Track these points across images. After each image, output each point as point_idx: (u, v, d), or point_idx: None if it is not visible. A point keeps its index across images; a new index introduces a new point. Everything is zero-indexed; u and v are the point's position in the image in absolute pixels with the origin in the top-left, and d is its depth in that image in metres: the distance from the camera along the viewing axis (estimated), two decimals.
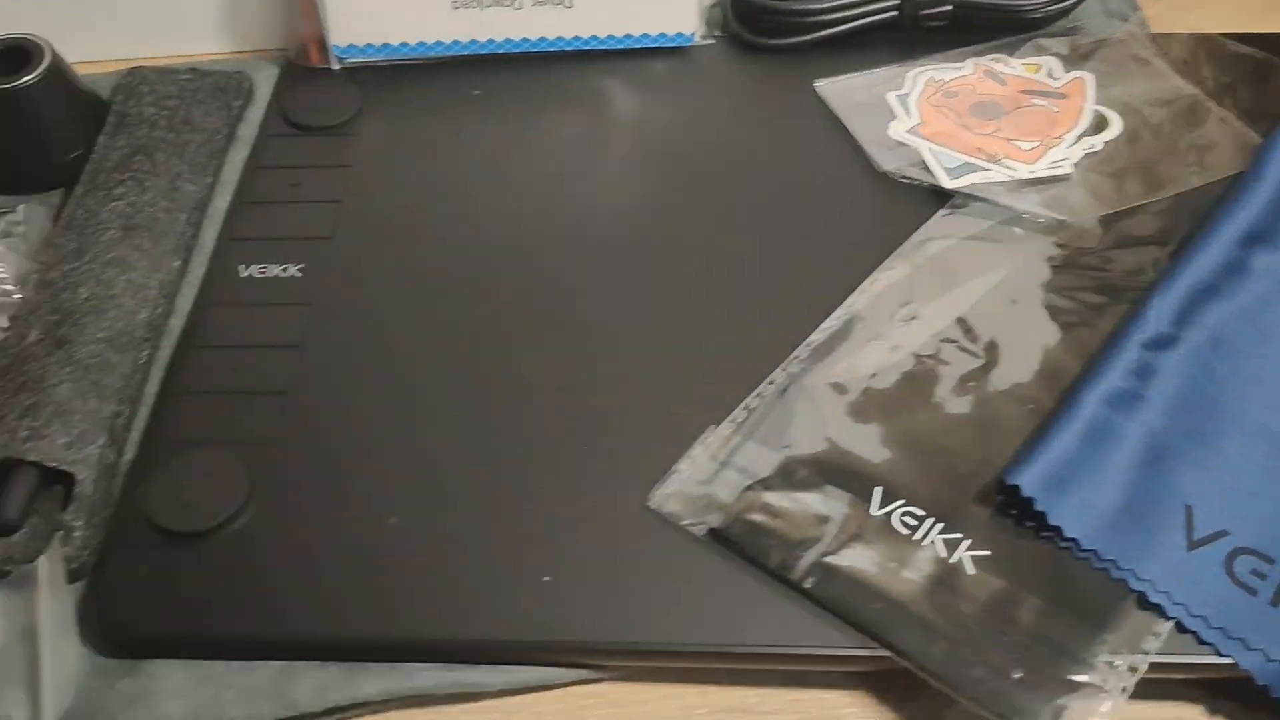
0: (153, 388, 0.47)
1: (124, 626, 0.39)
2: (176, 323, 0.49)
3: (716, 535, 0.40)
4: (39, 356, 0.45)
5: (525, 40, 0.57)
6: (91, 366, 0.45)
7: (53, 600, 0.39)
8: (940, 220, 0.49)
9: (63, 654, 0.38)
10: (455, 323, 0.47)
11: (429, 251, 0.50)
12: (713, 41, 0.59)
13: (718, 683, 0.39)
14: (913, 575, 0.38)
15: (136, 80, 0.56)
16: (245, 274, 0.49)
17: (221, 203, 0.53)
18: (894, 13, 0.58)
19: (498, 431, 0.43)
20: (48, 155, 0.53)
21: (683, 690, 0.39)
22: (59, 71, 0.53)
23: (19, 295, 0.48)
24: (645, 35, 0.58)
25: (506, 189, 0.53)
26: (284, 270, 0.49)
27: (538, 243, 0.50)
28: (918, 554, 0.39)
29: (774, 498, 0.40)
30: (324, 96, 0.56)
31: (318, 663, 0.39)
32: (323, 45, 0.57)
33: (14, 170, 0.53)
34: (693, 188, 0.52)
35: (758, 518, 0.40)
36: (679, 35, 0.58)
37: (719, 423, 0.43)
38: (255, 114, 0.57)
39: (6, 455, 0.42)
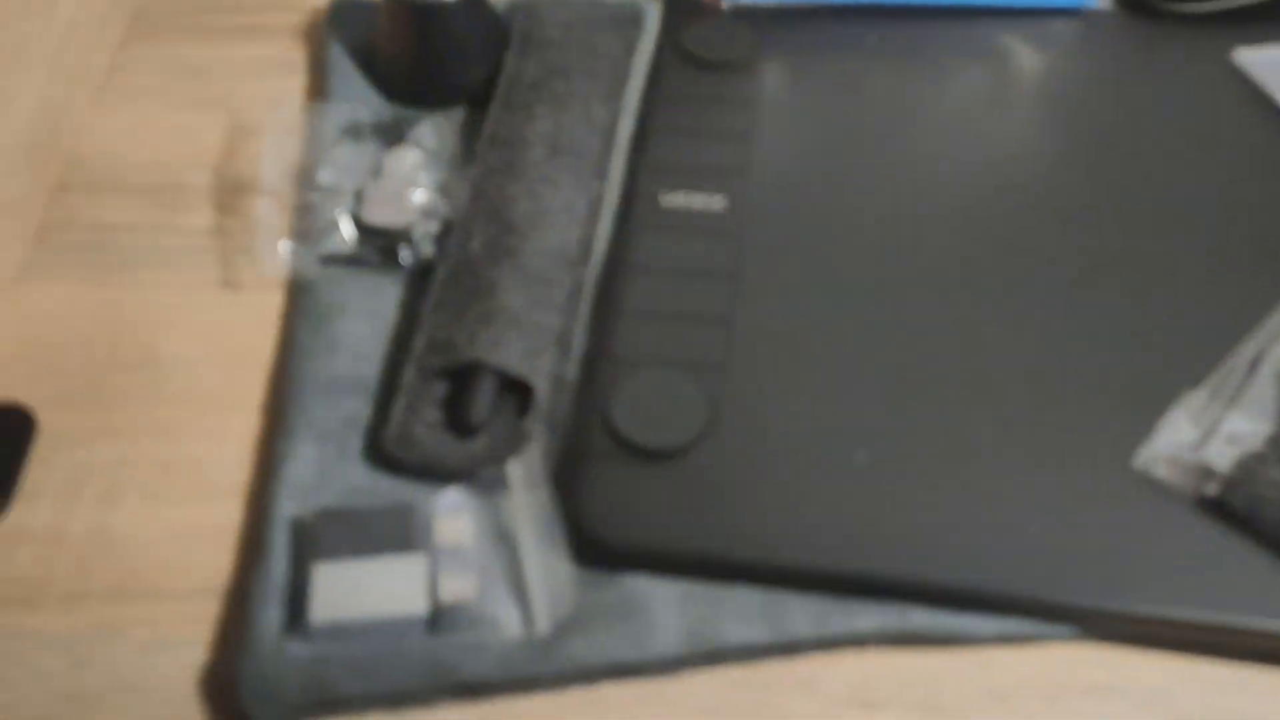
0: (585, 307, 0.47)
1: (601, 538, 0.39)
2: (599, 246, 0.49)
3: (1212, 504, 0.39)
4: (487, 265, 0.45)
5: None
6: (537, 280, 0.45)
7: (529, 506, 0.40)
8: None
9: (550, 561, 0.38)
10: (893, 267, 0.47)
11: (847, 192, 0.49)
12: (1111, 5, 0.57)
13: (1201, 653, 0.38)
14: None
15: (535, 2, 0.56)
16: (668, 202, 0.49)
17: (624, 130, 0.53)
18: None
19: (955, 376, 0.43)
20: (458, 72, 0.54)
21: (1166, 658, 0.38)
22: None
23: (442, 202, 0.49)
24: None
25: (912, 136, 0.52)
26: (708, 200, 0.49)
27: (956, 193, 0.49)
28: None
29: (1274, 470, 0.39)
30: (718, 34, 0.56)
31: (798, 592, 0.38)
32: None
33: (424, 85, 0.54)
34: (1108, 154, 0.51)
35: (1261, 490, 0.38)
36: None
37: (1191, 388, 0.41)
38: (644, 46, 0.57)
39: (474, 359, 0.42)
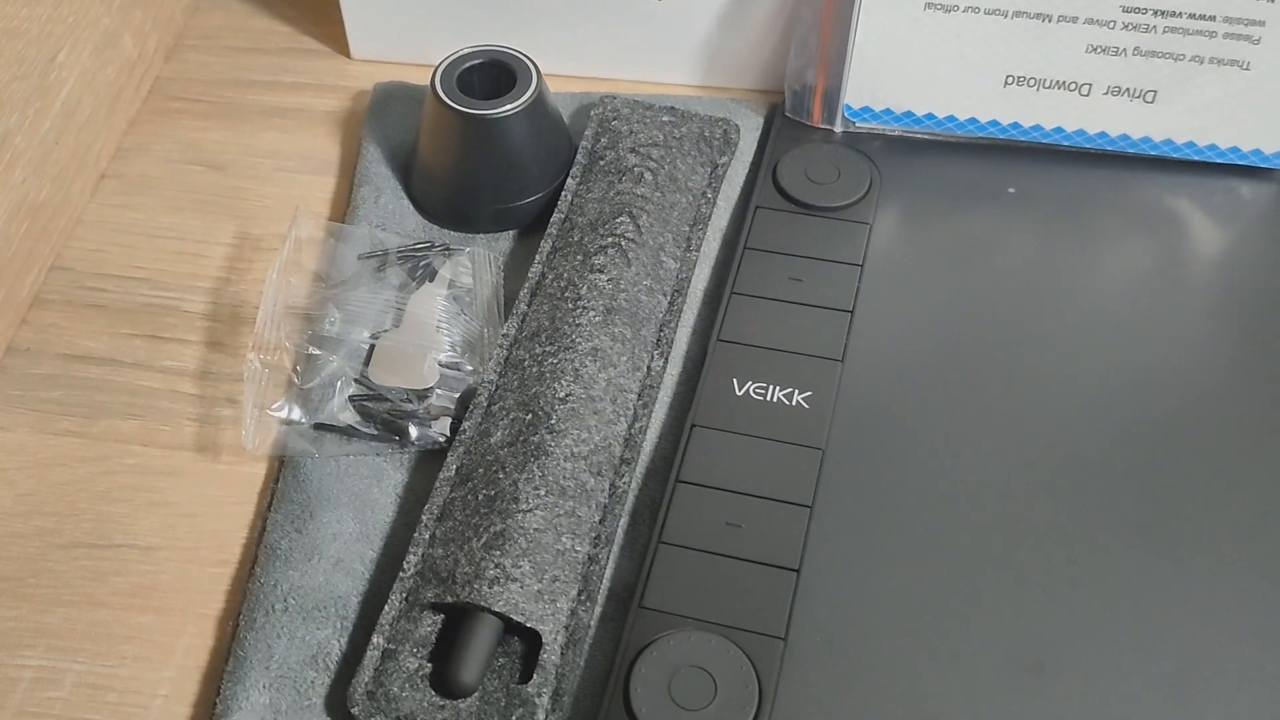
0: (624, 521, 0.38)
1: None
2: (651, 437, 0.40)
3: None
4: (508, 467, 0.37)
5: (1083, 134, 0.46)
6: (568, 490, 0.37)
7: None
8: None
9: None
10: (1013, 503, 0.37)
11: (963, 397, 0.40)
12: None
13: None
14: None
15: (609, 114, 0.48)
16: (741, 391, 0.40)
17: (699, 282, 0.44)
18: None
19: (1083, 679, 0.33)
20: (510, 195, 0.45)
21: None
22: (541, 101, 0.44)
23: (470, 367, 0.40)
24: (1236, 149, 0.46)
25: (1049, 323, 0.42)
26: (788, 396, 0.40)
27: (1098, 405, 0.40)
28: None
29: None
30: (826, 165, 0.47)
31: None
32: (830, 101, 0.48)
33: (468, 207, 0.45)
34: None
35: None
36: (1279, 155, 0.46)
37: None
38: (735, 171, 0.48)
39: (473, 602, 0.34)
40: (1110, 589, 0.35)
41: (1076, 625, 0.35)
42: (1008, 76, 0.46)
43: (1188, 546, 0.36)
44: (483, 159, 0.44)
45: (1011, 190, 0.46)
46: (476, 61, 0.44)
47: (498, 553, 0.35)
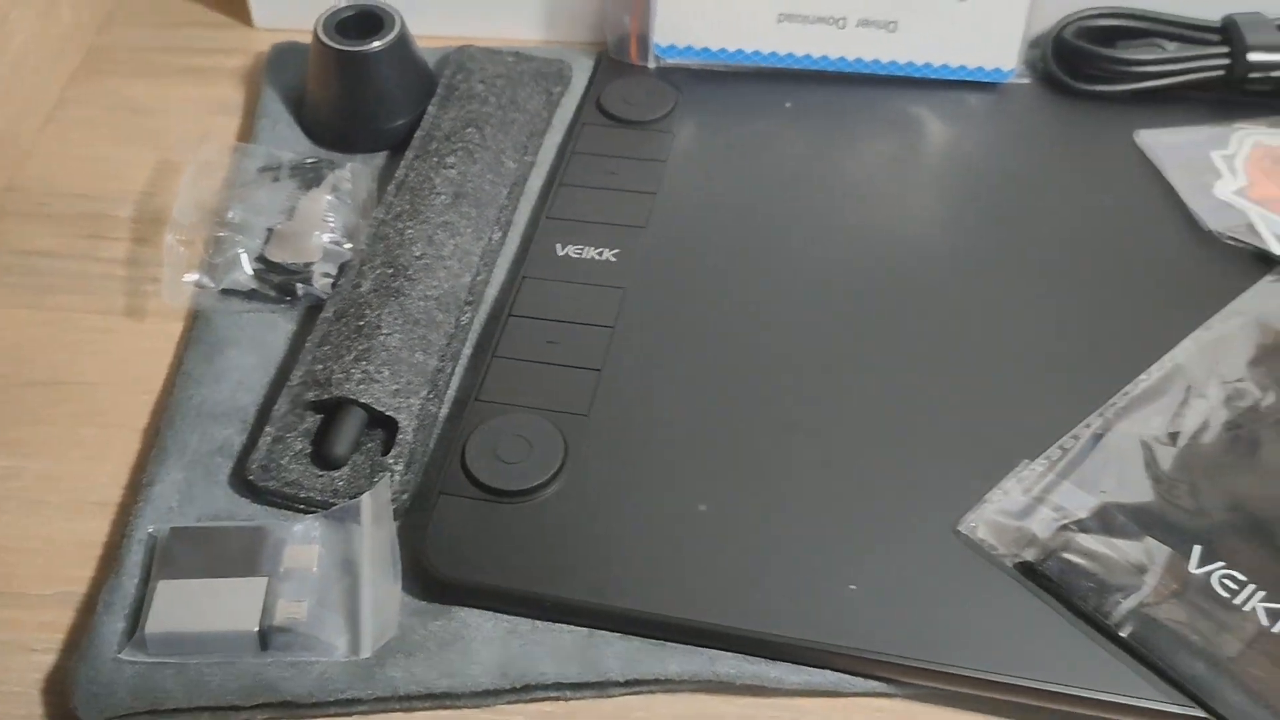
0: (467, 349, 0.48)
1: (437, 572, 0.40)
2: (491, 291, 0.51)
3: (1027, 569, 0.40)
4: (373, 305, 0.47)
5: (843, 60, 0.58)
6: (420, 321, 0.47)
7: (375, 538, 0.41)
8: (1269, 284, 0.48)
9: (384, 590, 0.40)
10: (765, 325, 0.48)
11: (738, 252, 0.51)
12: (1028, 81, 0.59)
13: (1009, 716, 0.39)
14: (1234, 640, 0.37)
15: (465, 57, 0.59)
16: (562, 253, 0.51)
17: (536, 182, 0.55)
18: (1221, 71, 0.57)
19: (806, 437, 0.44)
20: (381, 119, 0.56)
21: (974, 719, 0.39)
22: (404, 41, 0.55)
23: (349, 246, 0.51)
24: (963, 68, 0.58)
25: (812, 201, 0.53)
26: (599, 254, 0.50)
27: (844, 258, 0.51)
28: (1239, 619, 0.38)
29: (1090, 540, 0.40)
30: (639, 92, 0.58)
31: (619, 634, 0.39)
32: (643, 42, 0.59)
33: (348, 130, 0.56)
34: (1000, 223, 0.52)
35: (1073, 558, 0.39)
36: (996, 71, 0.58)
37: (1032, 458, 0.42)
38: (569, 102, 0.59)
39: (342, 395, 0.44)
40: (844, 375, 0.46)
41: (819, 400, 0.45)
42: (780, 15, 0.57)
43: (908, 348, 0.47)
44: (358, 89, 0.55)
45: (788, 105, 0.58)
46: (350, 13, 0.55)
47: (364, 362, 0.45)
